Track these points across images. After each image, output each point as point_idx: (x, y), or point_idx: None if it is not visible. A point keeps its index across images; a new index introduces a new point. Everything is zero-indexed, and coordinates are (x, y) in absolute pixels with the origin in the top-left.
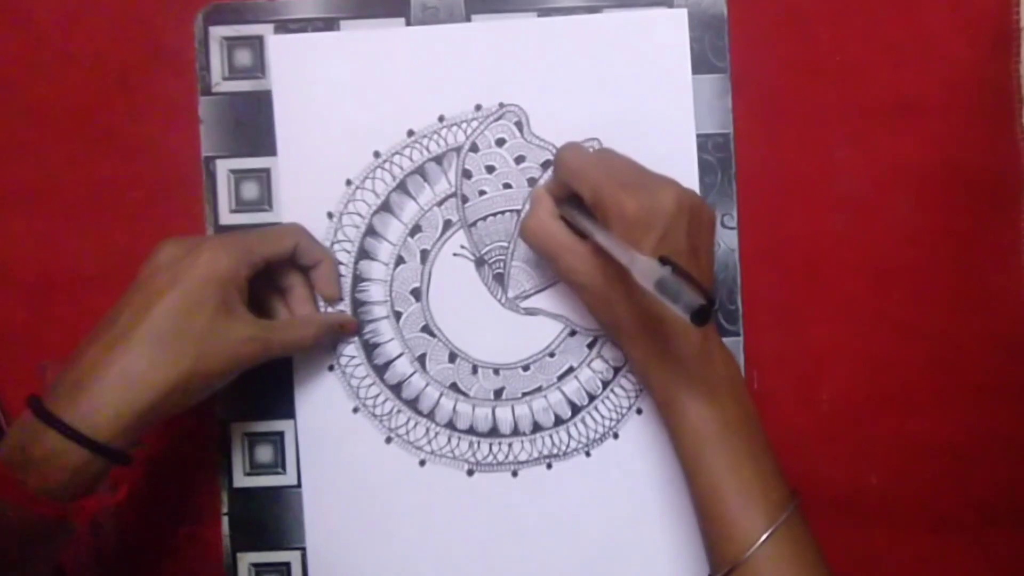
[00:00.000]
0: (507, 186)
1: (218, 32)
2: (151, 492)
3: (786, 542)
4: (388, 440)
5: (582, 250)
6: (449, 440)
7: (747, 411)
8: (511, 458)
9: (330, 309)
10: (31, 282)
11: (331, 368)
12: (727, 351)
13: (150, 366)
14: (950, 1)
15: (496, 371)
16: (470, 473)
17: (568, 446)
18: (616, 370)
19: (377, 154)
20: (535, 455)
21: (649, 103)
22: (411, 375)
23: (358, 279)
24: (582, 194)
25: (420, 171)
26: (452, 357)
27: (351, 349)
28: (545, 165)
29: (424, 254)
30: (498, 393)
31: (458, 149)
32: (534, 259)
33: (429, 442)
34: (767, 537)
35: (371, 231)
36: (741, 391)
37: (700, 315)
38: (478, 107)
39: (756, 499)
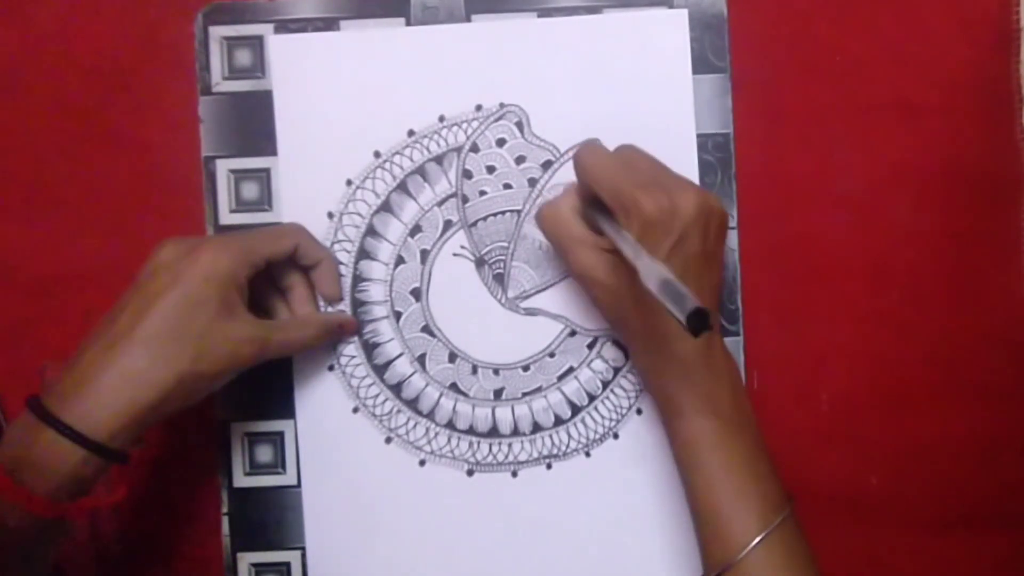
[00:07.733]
0: (507, 186)
1: (218, 32)
2: (151, 492)
3: (779, 546)
4: (388, 440)
5: (595, 244)
6: (449, 440)
7: (746, 416)
8: (511, 458)
9: (330, 309)
10: (31, 282)
11: (331, 368)
12: (729, 356)
13: (149, 366)
14: (950, 1)
15: (496, 371)
16: (470, 473)
17: (568, 446)
18: (616, 370)
19: (377, 154)
20: (535, 455)
21: (649, 103)
22: (411, 375)
23: (358, 279)
24: (600, 194)
25: (420, 171)
26: (452, 357)
27: (351, 349)
28: (545, 165)
29: (424, 254)
30: (498, 393)
31: (458, 149)
32: (535, 259)
33: (429, 442)
34: (760, 540)
35: (371, 231)
36: (741, 397)
37: (696, 321)
38: (478, 107)
39: (751, 502)
